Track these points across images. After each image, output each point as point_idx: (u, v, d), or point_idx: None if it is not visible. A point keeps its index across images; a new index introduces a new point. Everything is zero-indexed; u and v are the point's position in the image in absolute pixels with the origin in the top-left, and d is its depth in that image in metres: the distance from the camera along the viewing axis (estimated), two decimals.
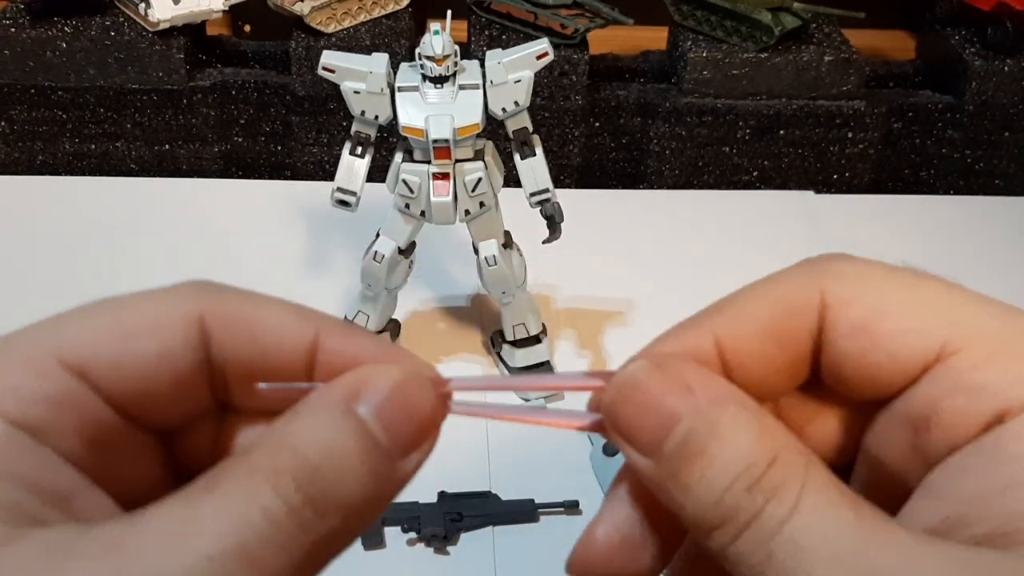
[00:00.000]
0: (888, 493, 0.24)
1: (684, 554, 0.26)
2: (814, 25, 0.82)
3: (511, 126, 0.57)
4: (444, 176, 0.55)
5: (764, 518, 0.21)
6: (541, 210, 0.58)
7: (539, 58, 0.56)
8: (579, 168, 0.84)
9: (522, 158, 0.57)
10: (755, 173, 0.84)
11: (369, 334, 0.24)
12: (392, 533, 0.54)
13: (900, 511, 0.23)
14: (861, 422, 0.25)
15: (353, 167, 0.58)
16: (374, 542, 0.53)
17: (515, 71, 0.55)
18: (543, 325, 0.63)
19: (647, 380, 0.23)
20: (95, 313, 0.23)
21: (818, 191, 0.84)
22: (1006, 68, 0.81)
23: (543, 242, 0.59)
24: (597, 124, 0.83)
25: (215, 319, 0.24)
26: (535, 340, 0.63)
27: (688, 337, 0.25)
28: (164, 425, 0.24)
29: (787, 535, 0.21)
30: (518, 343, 0.62)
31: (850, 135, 0.82)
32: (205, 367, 0.24)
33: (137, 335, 0.23)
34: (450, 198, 0.56)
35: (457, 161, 0.55)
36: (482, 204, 0.57)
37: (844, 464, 0.26)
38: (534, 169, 0.57)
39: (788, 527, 0.21)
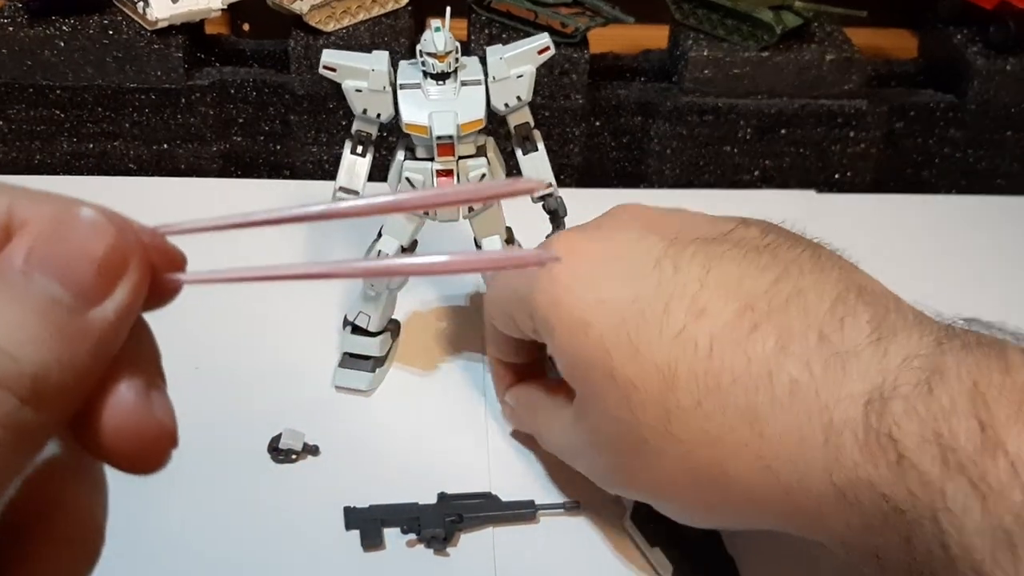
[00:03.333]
0: None
1: None
2: (815, 24, 0.82)
3: (513, 121, 0.57)
4: (448, 173, 0.55)
5: None
6: (544, 205, 0.58)
7: (540, 52, 0.56)
8: (580, 167, 0.83)
9: (524, 153, 0.58)
10: (756, 172, 0.84)
11: (60, 196, 0.22)
12: (391, 534, 0.53)
13: None
14: None
15: (355, 167, 0.57)
16: (373, 543, 0.53)
17: (517, 66, 0.55)
18: None
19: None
20: None
21: (820, 190, 0.84)
22: (1009, 67, 0.81)
23: (547, 237, 0.59)
24: (598, 123, 0.82)
25: None
26: None
27: None
28: None
29: None
30: None
31: (852, 134, 0.82)
32: None
33: None
34: None
35: (460, 158, 0.55)
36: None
37: None
38: (536, 164, 0.58)
39: None
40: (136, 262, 0.22)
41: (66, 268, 0.21)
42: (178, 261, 0.24)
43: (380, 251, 0.58)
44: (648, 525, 0.52)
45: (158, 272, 0.23)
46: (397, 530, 0.53)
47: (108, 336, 0.22)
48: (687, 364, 0.41)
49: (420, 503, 0.54)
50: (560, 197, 0.59)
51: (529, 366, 0.55)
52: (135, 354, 0.23)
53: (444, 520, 0.53)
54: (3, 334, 0.20)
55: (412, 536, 0.53)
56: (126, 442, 0.22)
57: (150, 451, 0.23)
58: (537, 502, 0.55)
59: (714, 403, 0.40)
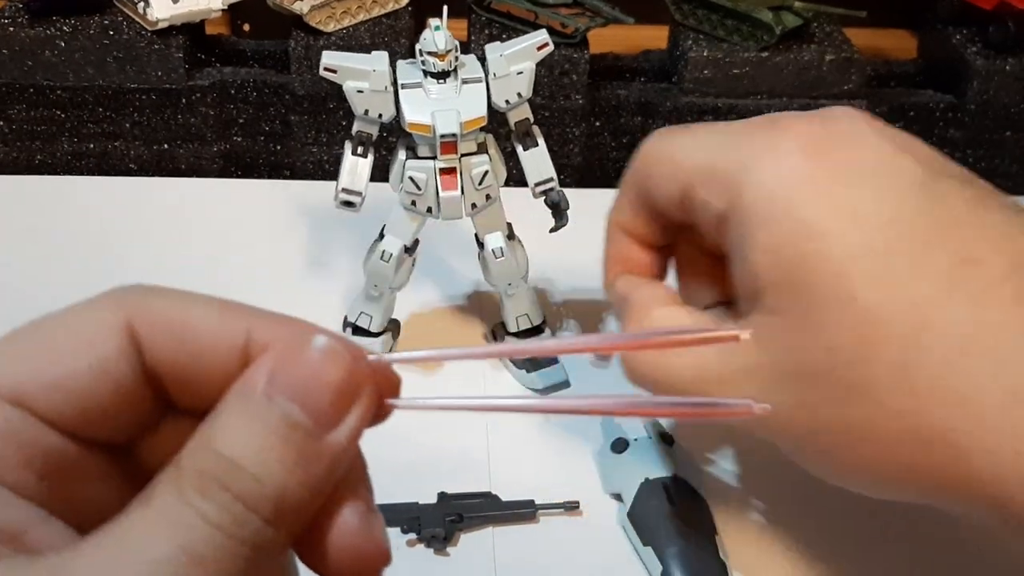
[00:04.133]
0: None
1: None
2: (815, 24, 0.82)
3: (513, 118, 0.57)
4: (451, 171, 0.55)
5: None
6: (546, 199, 0.59)
7: (539, 49, 0.56)
8: (580, 167, 0.84)
9: (524, 149, 0.58)
10: None
11: (295, 319, 0.24)
12: (392, 534, 0.53)
13: None
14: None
15: (357, 167, 0.57)
16: None
17: (517, 63, 0.55)
18: (543, 316, 0.63)
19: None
20: (24, 338, 0.23)
21: None
22: (1008, 67, 0.81)
23: (550, 230, 0.59)
24: (598, 123, 0.83)
25: (143, 325, 0.23)
26: (537, 331, 0.63)
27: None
28: (115, 440, 0.24)
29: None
30: (521, 334, 0.63)
31: None
32: (142, 374, 0.23)
33: (69, 354, 0.23)
34: (459, 192, 0.56)
35: (462, 155, 0.55)
36: (488, 197, 0.57)
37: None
38: (537, 159, 0.58)
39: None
40: (367, 389, 0.23)
41: (306, 393, 0.22)
42: (396, 387, 0.25)
43: (384, 251, 0.58)
44: (642, 524, 0.52)
45: (380, 397, 0.24)
46: (397, 530, 0.53)
47: (340, 459, 0.23)
48: (946, 313, 0.35)
49: (420, 503, 0.54)
50: (562, 190, 0.59)
51: (655, 256, 0.47)
52: (353, 474, 0.24)
53: (444, 520, 0.53)
54: (249, 456, 0.21)
55: (412, 536, 0.53)
56: (349, 562, 0.23)
57: (369, 571, 0.24)
58: (537, 502, 0.54)
59: (967, 364, 0.35)
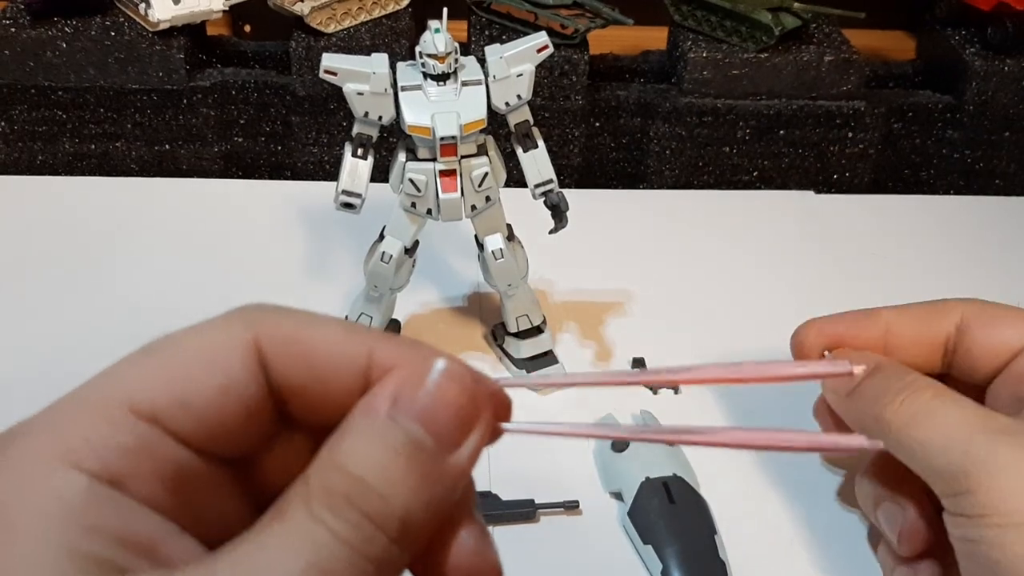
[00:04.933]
0: None
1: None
2: (814, 25, 0.82)
3: (513, 120, 0.57)
4: (451, 173, 0.56)
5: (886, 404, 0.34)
6: (545, 200, 0.59)
7: (539, 51, 0.56)
8: (579, 168, 0.84)
9: (524, 151, 0.58)
10: (755, 173, 0.84)
11: (416, 343, 0.24)
12: None
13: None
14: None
15: (357, 169, 0.58)
16: None
17: (517, 65, 0.56)
18: (543, 316, 0.64)
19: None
20: (155, 355, 0.23)
21: (818, 191, 0.84)
22: (1006, 68, 0.82)
23: (550, 232, 0.59)
24: (597, 124, 0.83)
25: (270, 345, 0.24)
26: (537, 331, 0.63)
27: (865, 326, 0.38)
28: (238, 455, 0.24)
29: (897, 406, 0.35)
30: (521, 334, 0.63)
31: (850, 135, 0.82)
32: (267, 393, 0.24)
33: (199, 372, 0.23)
34: (459, 194, 0.56)
35: (462, 157, 0.56)
36: (488, 198, 0.57)
37: None
38: (537, 161, 0.58)
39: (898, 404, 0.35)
40: (486, 412, 0.24)
41: (429, 415, 0.23)
42: (508, 410, 0.25)
43: (384, 252, 0.59)
44: (642, 524, 0.52)
45: (495, 420, 0.25)
46: None
47: (460, 480, 0.23)
48: None
49: None
50: (561, 192, 0.59)
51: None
52: (467, 496, 0.25)
53: None
54: (376, 476, 0.22)
55: None
56: None
57: None
58: (537, 501, 0.55)
59: None
